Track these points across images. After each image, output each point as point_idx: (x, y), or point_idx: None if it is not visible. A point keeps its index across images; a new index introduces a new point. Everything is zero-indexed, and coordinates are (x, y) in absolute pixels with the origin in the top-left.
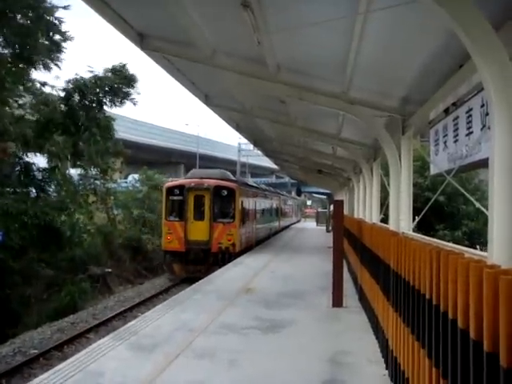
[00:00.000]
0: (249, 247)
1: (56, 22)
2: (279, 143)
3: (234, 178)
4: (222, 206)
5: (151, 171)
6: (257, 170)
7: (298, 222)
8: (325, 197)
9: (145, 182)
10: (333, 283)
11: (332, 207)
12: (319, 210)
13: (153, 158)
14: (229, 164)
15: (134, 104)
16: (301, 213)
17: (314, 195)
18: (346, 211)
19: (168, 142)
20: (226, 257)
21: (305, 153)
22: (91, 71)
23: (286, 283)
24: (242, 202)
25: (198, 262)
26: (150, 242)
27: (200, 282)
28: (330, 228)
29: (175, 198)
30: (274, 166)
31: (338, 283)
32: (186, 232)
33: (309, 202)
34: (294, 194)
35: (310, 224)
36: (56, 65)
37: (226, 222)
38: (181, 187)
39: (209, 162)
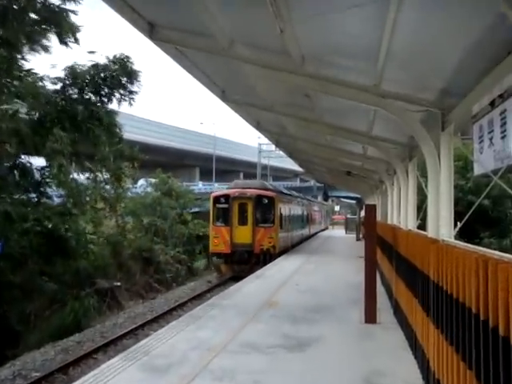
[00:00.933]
0: (285, 250)
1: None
2: (304, 143)
3: (271, 187)
4: (262, 213)
5: (164, 175)
6: (279, 173)
7: (326, 229)
8: (354, 201)
9: (158, 187)
10: (365, 296)
11: (362, 213)
12: (348, 216)
13: (164, 160)
14: (248, 166)
15: (131, 103)
16: (329, 219)
17: (343, 200)
18: (378, 217)
19: (181, 142)
20: (267, 257)
21: (332, 153)
22: (92, 60)
23: (313, 296)
24: (280, 209)
25: (243, 262)
26: (163, 252)
27: (218, 296)
28: (361, 236)
29: (221, 205)
30: (298, 169)
31: (370, 296)
32: (232, 236)
33: (337, 208)
34: (320, 198)
35: (338, 232)
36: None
37: (267, 226)
38: (226, 196)
39: (226, 164)
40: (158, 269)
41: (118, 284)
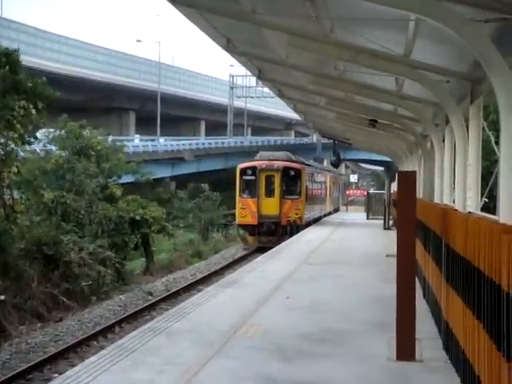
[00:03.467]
0: (308, 223)
1: None
2: (304, 75)
3: (296, 159)
4: (289, 185)
5: (75, 124)
6: (262, 123)
7: (335, 211)
8: (381, 168)
9: (66, 143)
10: (397, 318)
11: (394, 186)
12: (371, 191)
13: (81, 99)
14: (214, 112)
15: None
16: (341, 196)
17: (362, 166)
18: (419, 193)
19: (107, 72)
20: (293, 229)
21: (349, 88)
22: None
23: (315, 316)
24: (306, 181)
25: (270, 234)
26: (76, 246)
27: (166, 314)
28: (391, 223)
29: (248, 177)
30: (292, 115)
31: (405, 318)
32: (259, 207)
33: (353, 178)
34: (326, 163)
35: (356, 216)
36: None
37: (294, 198)
38: (253, 168)
39: (180, 108)
40: (68, 273)
41: (1, 298)
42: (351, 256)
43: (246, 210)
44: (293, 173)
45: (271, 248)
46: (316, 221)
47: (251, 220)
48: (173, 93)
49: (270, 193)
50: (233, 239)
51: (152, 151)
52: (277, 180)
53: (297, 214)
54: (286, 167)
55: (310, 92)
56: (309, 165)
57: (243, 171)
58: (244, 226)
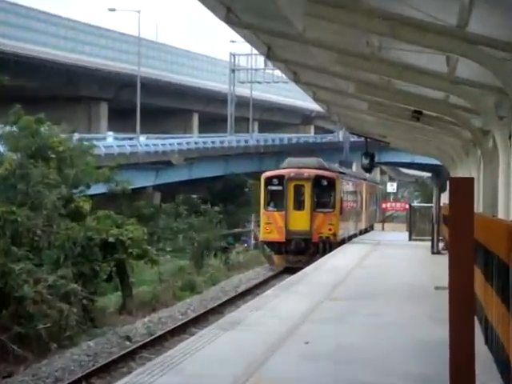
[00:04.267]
0: (343, 241)
1: None
2: (327, 53)
3: (329, 167)
4: (321, 196)
5: (30, 117)
6: (275, 116)
7: (369, 229)
8: (427, 175)
9: (19, 142)
10: (450, 371)
11: (446, 197)
12: (414, 204)
13: (39, 86)
14: (209, 102)
15: None
16: (377, 210)
17: (403, 171)
18: (478, 206)
19: (71, 51)
20: (326, 246)
21: (384, 70)
22: None
23: (340, 367)
24: (341, 192)
25: (299, 252)
26: (31, 277)
27: (150, 363)
28: (442, 246)
29: (274, 188)
30: (313, 107)
31: (462, 370)
32: (287, 222)
33: (390, 187)
34: (355, 167)
35: (395, 236)
36: None
37: (327, 211)
38: (280, 177)
39: (166, 97)
40: (21, 313)
41: None
42: (388, 289)
43: (271, 224)
44: (326, 182)
45: (301, 269)
46: (350, 238)
47: (278, 236)
48: (156, 77)
49: (299, 205)
50: (235, 267)
51: (130, 153)
52: (307, 190)
53: (330, 230)
54: (318, 176)
55: (334, 75)
56: (343, 173)
57: (269, 181)
58: (270, 244)
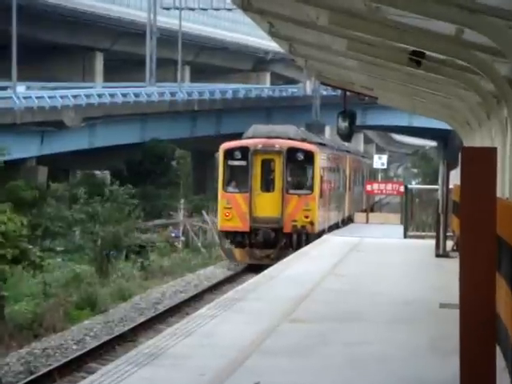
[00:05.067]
0: (323, 231)
1: None
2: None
3: (307, 137)
4: (296, 174)
5: None
6: (215, 58)
7: (347, 221)
8: (430, 144)
9: None
10: None
11: (455, 176)
12: (412, 186)
13: None
14: (121, 36)
15: None
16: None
17: (396, 138)
18: (502, 189)
19: None
20: (301, 238)
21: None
22: None
23: None
24: (321, 169)
25: (267, 246)
26: None
27: None
28: (453, 245)
29: (236, 162)
30: (268, 46)
31: None
32: (251, 207)
33: (378, 162)
34: (329, 132)
35: (384, 231)
36: None
37: (303, 193)
38: (244, 149)
39: (52, 26)
40: None
41: None
42: (373, 307)
43: (232, 210)
44: (302, 156)
45: (268, 266)
46: (331, 229)
47: (240, 225)
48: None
49: (267, 185)
50: (156, 275)
51: (2, 109)
52: (278, 167)
53: (307, 218)
54: (293, 148)
55: (320, 31)
56: (324, 144)
57: (229, 154)
58: (229, 234)
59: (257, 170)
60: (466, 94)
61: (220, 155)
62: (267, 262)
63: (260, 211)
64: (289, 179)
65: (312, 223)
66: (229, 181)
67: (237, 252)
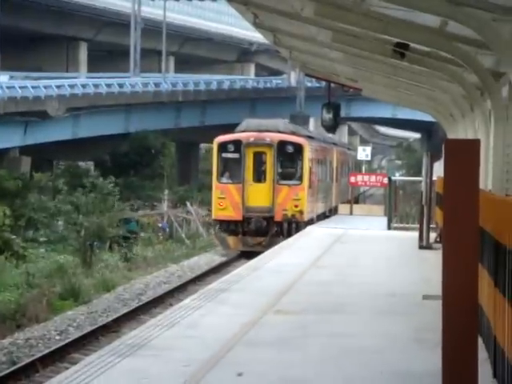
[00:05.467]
0: (311, 220)
1: None
2: None
3: (296, 130)
4: (286, 166)
5: None
6: (200, 49)
7: (330, 212)
8: (414, 136)
9: None
10: None
11: (438, 168)
12: (396, 178)
13: None
14: (105, 26)
15: None
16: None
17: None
18: (485, 181)
19: None
20: (292, 226)
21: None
22: None
23: None
24: (310, 161)
25: (259, 233)
26: None
27: None
28: (437, 237)
29: (229, 155)
30: (253, 37)
31: None
32: (244, 197)
33: (363, 154)
34: (313, 123)
35: (367, 223)
36: None
37: (292, 184)
38: (237, 142)
39: (36, 16)
40: None
41: None
42: (357, 298)
43: (225, 200)
44: (292, 149)
45: (260, 253)
46: (319, 218)
47: (233, 214)
48: None
49: (259, 176)
50: (140, 266)
51: None
52: (269, 159)
53: (296, 207)
54: (283, 141)
55: (305, 22)
56: (312, 137)
57: (222, 146)
58: (223, 223)
59: (249, 162)
60: (450, 86)
61: (214, 148)
62: (259, 249)
63: (252, 201)
64: (279, 170)
65: (301, 212)
66: (222, 172)
67: (230, 240)
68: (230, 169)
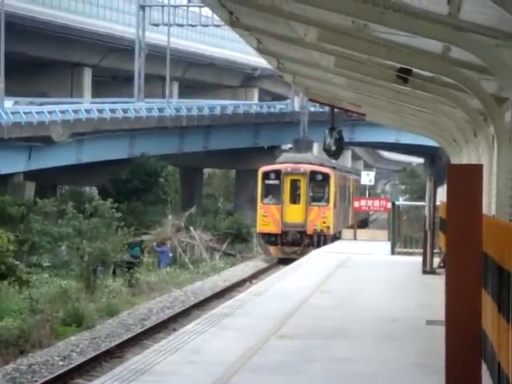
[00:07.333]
0: (337, 233)
1: None
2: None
3: (323, 162)
4: (316, 191)
5: None
6: (203, 74)
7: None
8: (417, 161)
9: None
10: None
11: (442, 192)
12: (400, 202)
13: None
14: (110, 51)
15: None
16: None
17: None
18: (488, 207)
19: None
20: (320, 239)
21: (360, 11)
22: None
23: None
24: (335, 187)
25: (294, 244)
26: None
27: None
28: (440, 262)
29: (271, 182)
30: (257, 62)
31: None
32: (283, 214)
33: (366, 178)
34: (317, 149)
35: (371, 248)
36: None
37: (321, 205)
38: (277, 172)
39: (41, 42)
40: None
41: None
42: (360, 324)
43: (268, 217)
44: (320, 177)
45: (295, 260)
46: (340, 234)
47: (274, 228)
48: (30, 14)
49: (295, 199)
50: (143, 291)
51: None
52: (303, 185)
53: (324, 223)
54: (314, 171)
55: (308, 47)
56: (335, 167)
57: (265, 175)
58: (265, 235)
59: (287, 187)
60: (453, 111)
61: (259, 176)
62: (294, 257)
63: (289, 218)
64: (311, 194)
65: (328, 227)
66: (265, 195)
67: (271, 249)
68: (272, 192)
